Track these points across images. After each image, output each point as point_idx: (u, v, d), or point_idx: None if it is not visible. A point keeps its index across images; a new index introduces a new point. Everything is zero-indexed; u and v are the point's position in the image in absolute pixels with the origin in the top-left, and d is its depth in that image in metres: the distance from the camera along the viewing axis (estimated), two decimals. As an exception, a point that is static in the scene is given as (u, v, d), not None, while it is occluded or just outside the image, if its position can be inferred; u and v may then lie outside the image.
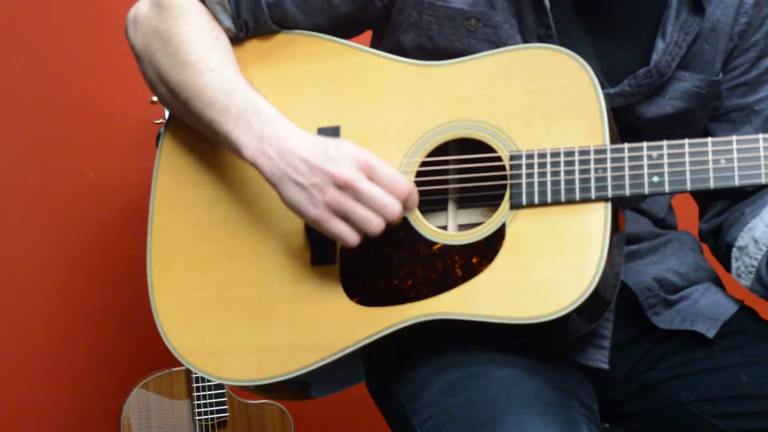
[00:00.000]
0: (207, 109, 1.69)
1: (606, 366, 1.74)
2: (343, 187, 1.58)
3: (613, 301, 1.64)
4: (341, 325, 1.66)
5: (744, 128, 1.80)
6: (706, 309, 1.81)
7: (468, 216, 1.71)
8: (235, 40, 1.79)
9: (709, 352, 1.79)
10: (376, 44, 1.82)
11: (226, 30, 1.77)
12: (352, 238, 1.60)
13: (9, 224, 3.03)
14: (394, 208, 1.58)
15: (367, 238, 1.61)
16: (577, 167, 1.58)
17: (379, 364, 1.78)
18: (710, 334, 1.79)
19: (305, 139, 1.62)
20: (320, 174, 1.59)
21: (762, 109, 1.80)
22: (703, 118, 1.81)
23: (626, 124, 1.66)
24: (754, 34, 1.78)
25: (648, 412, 1.80)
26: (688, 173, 1.54)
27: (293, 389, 1.76)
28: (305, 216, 1.61)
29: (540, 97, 1.63)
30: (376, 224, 1.59)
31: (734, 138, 1.53)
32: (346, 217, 1.59)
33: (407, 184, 1.59)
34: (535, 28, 1.71)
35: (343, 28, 1.78)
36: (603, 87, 1.67)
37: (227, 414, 2.93)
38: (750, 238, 1.77)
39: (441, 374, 1.66)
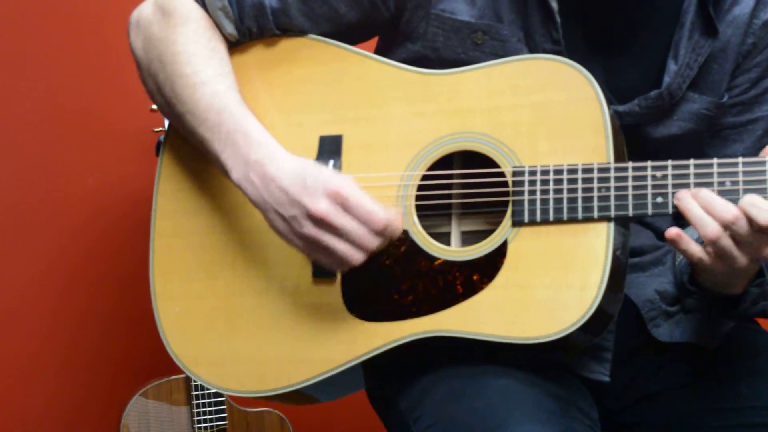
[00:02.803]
0: (199, 126, 1.68)
1: (607, 379, 1.74)
2: (318, 222, 1.57)
3: (616, 315, 1.63)
4: (341, 339, 1.66)
5: (734, 146, 1.79)
6: (706, 320, 1.80)
7: (472, 224, 1.71)
8: (238, 42, 1.78)
9: (709, 363, 1.78)
10: (383, 51, 1.80)
11: (228, 35, 1.76)
12: (336, 268, 1.61)
13: (8, 231, 3.02)
14: (370, 241, 1.58)
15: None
16: (580, 185, 1.57)
17: (380, 373, 1.78)
18: (710, 346, 1.78)
19: (288, 167, 1.61)
20: (297, 207, 1.58)
21: (755, 128, 1.79)
22: (707, 137, 1.80)
23: (632, 142, 1.65)
24: (758, 55, 1.77)
25: (648, 423, 1.80)
26: None
27: (293, 398, 1.76)
28: (291, 245, 1.62)
29: (544, 111, 1.62)
30: (355, 257, 1.59)
31: (740, 160, 1.52)
32: (326, 250, 1.59)
33: (382, 218, 1.58)
34: (543, 43, 1.70)
35: (350, 35, 1.77)
36: (611, 103, 1.66)
37: (227, 422, 2.92)
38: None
39: (442, 383, 1.66)
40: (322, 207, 1.56)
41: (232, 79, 1.71)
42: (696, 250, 1.55)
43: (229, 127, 1.65)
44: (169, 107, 1.73)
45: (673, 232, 1.54)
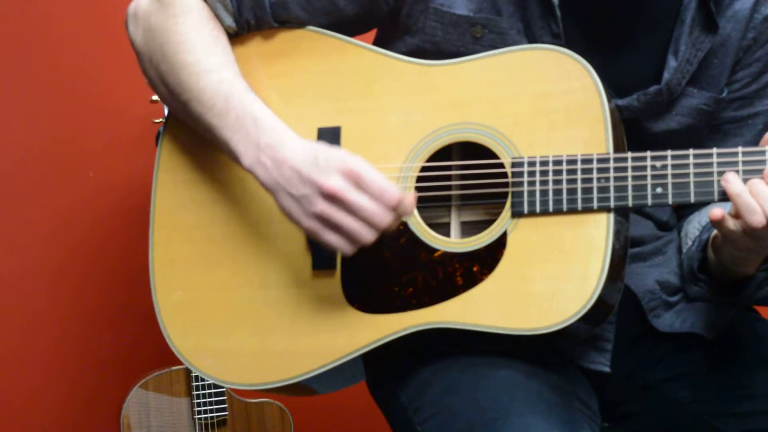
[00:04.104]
0: (206, 112, 1.68)
1: (608, 369, 1.74)
2: (330, 198, 1.57)
3: (617, 305, 1.63)
4: (342, 331, 1.66)
5: (734, 140, 1.79)
6: (706, 309, 1.80)
7: (472, 214, 1.70)
8: (236, 34, 1.77)
9: (709, 352, 1.79)
10: (382, 44, 1.80)
11: (227, 28, 1.76)
12: (346, 248, 1.60)
13: (9, 223, 3.03)
14: (383, 218, 1.57)
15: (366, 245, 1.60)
16: (579, 176, 1.57)
17: (380, 365, 1.78)
18: (710, 335, 1.79)
19: (299, 148, 1.61)
20: (309, 185, 1.58)
21: (755, 123, 1.79)
22: (705, 132, 1.80)
23: (632, 137, 1.65)
24: (759, 49, 1.77)
25: (648, 413, 1.81)
26: (692, 185, 1.53)
27: (292, 390, 1.77)
28: (301, 226, 1.61)
29: (543, 101, 1.61)
30: (367, 236, 1.58)
31: (740, 149, 1.52)
32: (338, 229, 1.59)
33: (395, 194, 1.57)
34: (542, 36, 1.70)
35: (348, 28, 1.77)
36: (610, 97, 1.65)
37: (227, 413, 2.93)
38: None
39: (442, 374, 1.66)
40: (335, 183, 1.56)
41: (236, 67, 1.71)
42: (731, 223, 1.54)
43: (237, 112, 1.65)
44: (172, 96, 1.73)
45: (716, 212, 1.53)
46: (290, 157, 1.60)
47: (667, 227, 1.86)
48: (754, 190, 1.50)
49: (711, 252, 1.72)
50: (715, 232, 1.69)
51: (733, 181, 1.52)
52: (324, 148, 1.60)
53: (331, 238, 1.59)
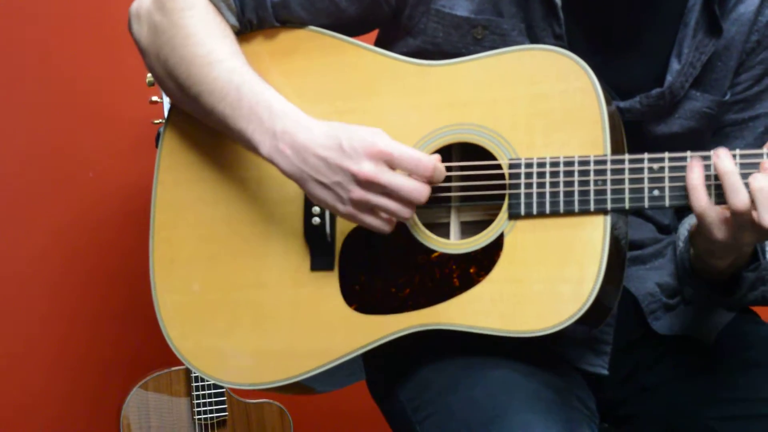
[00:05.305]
0: (218, 104, 1.67)
1: (606, 372, 1.75)
2: (366, 184, 1.57)
3: (615, 307, 1.63)
4: (340, 332, 1.66)
5: (735, 143, 1.79)
6: (703, 313, 1.81)
7: (471, 214, 1.70)
8: (238, 33, 1.77)
9: (707, 355, 1.78)
10: (383, 45, 1.80)
11: (231, 27, 1.76)
12: (385, 228, 1.60)
13: (9, 223, 3.04)
14: (421, 193, 1.57)
15: (367, 245, 1.62)
16: (576, 178, 1.57)
17: (379, 365, 1.79)
18: (708, 339, 1.79)
19: (318, 133, 1.60)
20: (340, 172, 1.57)
21: (755, 125, 1.79)
22: (708, 135, 1.80)
23: (634, 139, 1.64)
24: (762, 52, 1.76)
25: (646, 415, 1.81)
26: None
27: (292, 389, 1.77)
28: (336, 213, 1.62)
29: (541, 102, 1.61)
30: (405, 213, 1.59)
31: (738, 152, 1.51)
32: (375, 211, 1.59)
33: (430, 162, 1.57)
34: (544, 37, 1.69)
35: (349, 28, 1.77)
36: (613, 99, 1.65)
37: (227, 413, 2.93)
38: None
39: (441, 374, 1.67)
40: (369, 169, 1.56)
41: (244, 58, 1.71)
42: (708, 204, 1.53)
43: (250, 101, 1.64)
44: (182, 91, 1.72)
45: (694, 162, 1.52)
46: (310, 144, 1.59)
47: (668, 230, 1.86)
48: (755, 186, 1.50)
49: (690, 245, 1.72)
50: (694, 221, 1.68)
51: (723, 157, 1.51)
52: (344, 130, 1.60)
53: (370, 220, 1.60)
